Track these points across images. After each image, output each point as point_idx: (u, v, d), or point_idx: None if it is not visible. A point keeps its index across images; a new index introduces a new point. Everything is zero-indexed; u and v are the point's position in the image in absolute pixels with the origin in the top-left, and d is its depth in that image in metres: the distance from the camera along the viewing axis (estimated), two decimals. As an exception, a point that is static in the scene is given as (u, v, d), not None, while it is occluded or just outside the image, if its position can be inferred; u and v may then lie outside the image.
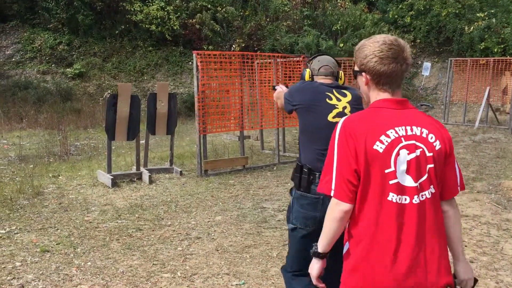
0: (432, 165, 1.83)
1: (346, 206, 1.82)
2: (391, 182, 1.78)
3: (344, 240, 1.93)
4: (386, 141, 1.79)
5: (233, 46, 18.24)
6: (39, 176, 7.30)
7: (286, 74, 9.27)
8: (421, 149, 1.82)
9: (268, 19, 19.42)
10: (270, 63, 9.29)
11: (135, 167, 7.50)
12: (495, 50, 17.19)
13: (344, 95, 2.83)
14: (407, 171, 1.80)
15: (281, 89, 3.16)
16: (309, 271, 2.04)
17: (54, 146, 9.75)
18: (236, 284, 3.80)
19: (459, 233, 1.97)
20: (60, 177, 7.35)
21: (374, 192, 1.79)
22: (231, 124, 8.27)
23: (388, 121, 1.84)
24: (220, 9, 18.73)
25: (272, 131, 10.26)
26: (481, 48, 17.63)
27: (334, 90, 2.84)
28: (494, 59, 14.43)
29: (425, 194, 1.81)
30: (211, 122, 7.80)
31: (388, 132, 1.81)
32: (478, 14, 18.33)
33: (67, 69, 17.19)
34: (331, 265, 2.14)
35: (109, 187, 6.75)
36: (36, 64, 17.41)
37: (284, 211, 5.78)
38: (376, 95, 1.93)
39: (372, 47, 1.88)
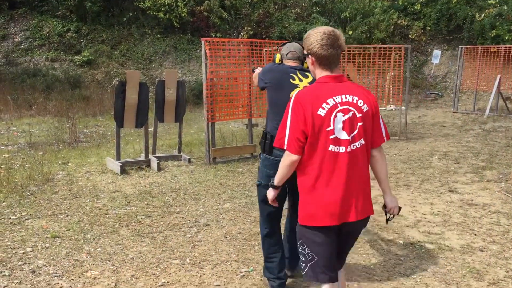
0: (361, 123, 2.48)
1: (295, 157, 2.49)
2: (331, 137, 2.44)
3: (297, 181, 2.58)
4: (327, 107, 2.44)
5: (241, 33, 18.14)
6: (48, 163, 7.34)
7: (295, 61, 9.20)
8: (352, 112, 2.46)
9: (276, 6, 19.28)
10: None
11: (143, 155, 7.52)
12: (506, 37, 16.96)
13: (306, 77, 3.37)
14: (343, 128, 2.44)
15: (258, 71, 3.72)
16: (267, 194, 2.84)
17: (63, 133, 9.79)
18: (245, 271, 3.82)
19: (385, 172, 2.70)
20: (69, 164, 7.39)
21: (319, 145, 2.45)
22: (239, 112, 8.25)
23: (328, 92, 2.47)
24: (228, -4, 18.62)
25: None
26: (492, 35, 17.40)
27: (298, 72, 3.38)
28: (505, 47, 14.25)
29: (355, 145, 2.48)
30: (219, 110, 7.79)
31: (328, 101, 2.45)
32: (489, 1, 18.06)
33: (76, 57, 17.21)
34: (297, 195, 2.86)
35: (118, 174, 6.78)
36: (45, 51, 17.44)
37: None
38: (320, 73, 2.56)
39: (315, 37, 2.49)
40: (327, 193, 2.46)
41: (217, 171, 7.14)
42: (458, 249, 4.31)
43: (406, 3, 19.67)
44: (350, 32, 18.19)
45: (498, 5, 17.86)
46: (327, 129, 2.43)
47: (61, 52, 17.45)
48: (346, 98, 2.47)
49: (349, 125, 2.45)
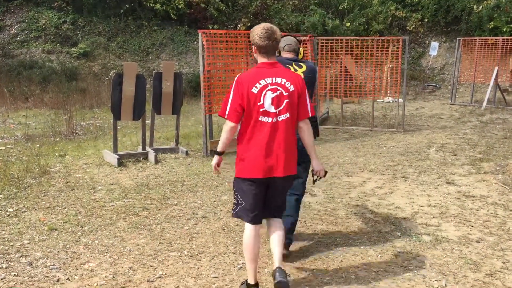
0: (287, 100, 3.14)
1: (233, 124, 3.15)
2: (261, 110, 3.11)
3: (237, 147, 3.23)
4: (259, 86, 3.11)
5: (239, 25, 18.05)
6: (45, 155, 7.32)
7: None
8: (280, 91, 3.14)
9: (274, -2, 19.19)
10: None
11: (141, 147, 7.51)
12: (504, 29, 16.94)
13: (300, 67, 3.89)
14: (271, 103, 3.12)
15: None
16: (212, 163, 3.39)
17: (60, 126, 9.76)
18: (242, 263, 3.82)
19: (311, 141, 3.32)
20: (66, 157, 7.37)
21: (252, 116, 3.12)
22: (237, 104, 8.22)
23: (261, 75, 3.15)
24: (225, -13, 18.52)
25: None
26: (490, 27, 17.37)
27: (293, 63, 3.89)
28: (503, 39, 14.23)
29: (281, 117, 3.14)
30: (216, 102, 7.76)
31: (260, 81, 3.12)
32: (487, -7, 18.01)
33: (72, 49, 17.12)
34: (301, 172, 3.78)
35: (115, 167, 6.77)
36: (41, 43, 17.34)
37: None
38: (259, 60, 3.23)
39: (256, 31, 3.15)
40: (254, 153, 3.13)
41: (214, 163, 7.13)
42: (455, 241, 4.32)
43: (404, -5, 19.60)
44: (348, 24, 18.13)
45: (496, -3, 17.81)
46: (258, 104, 3.11)
47: (58, 44, 17.35)
48: (275, 80, 3.15)
49: (276, 101, 3.13)
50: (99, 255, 3.95)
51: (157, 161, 7.11)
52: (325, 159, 7.50)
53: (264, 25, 3.18)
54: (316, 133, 3.83)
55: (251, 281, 3.27)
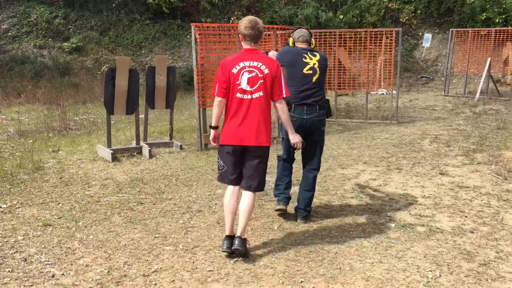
0: (262, 81, 3.68)
1: (220, 98, 3.73)
2: (238, 87, 3.68)
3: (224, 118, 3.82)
4: (238, 68, 3.68)
5: (232, 18, 17.99)
6: (38, 151, 7.28)
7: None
8: (255, 73, 3.68)
9: (267, -9, 19.11)
10: (269, 35, 9.16)
11: (135, 142, 7.48)
12: (497, 20, 16.97)
13: (315, 56, 4.52)
14: (247, 83, 3.67)
15: (273, 54, 4.68)
16: (209, 138, 3.98)
17: (53, 121, 9.71)
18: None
19: (286, 118, 3.90)
20: (60, 152, 7.34)
21: (232, 93, 3.70)
22: (231, 98, 8.19)
23: (241, 58, 3.73)
24: (218, -20, 18.42)
25: (271, 104, 10.20)
26: (483, 18, 17.39)
27: (308, 52, 4.51)
28: (495, 30, 14.27)
29: (255, 95, 3.69)
30: (210, 95, 7.74)
31: (240, 64, 3.70)
32: (480, -16, 18.01)
33: (64, 43, 17.00)
34: (309, 146, 4.41)
35: (109, 162, 6.74)
36: (33, 38, 17.21)
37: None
38: (243, 46, 3.80)
39: (243, 22, 3.73)
40: (232, 124, 3.73)
41: (209, 157, 7.13)
42: (449, 231, 4.35)
43: (397, -14, 19.58)
44: (341, 16, 18.11)
45: (488, -12, 17.83)
46: (237, 82, 3.68)
47: (49, 39, 17.23)
48: (252, 63, 3.70)
49: (251, 81, 3.68)
50: (94, 250, 3.94)
51: (151, 156, 7.09)
52: (320, 151, 7.51)
53: (249, 17, 3.77)
54: (329, 113, 4.57)
55: (227, 232, 3.84)
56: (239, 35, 3.76)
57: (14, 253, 3.86)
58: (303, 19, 17.36)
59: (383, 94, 14.39)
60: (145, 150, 7.17)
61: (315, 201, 5.14)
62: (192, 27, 7.47)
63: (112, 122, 8.47)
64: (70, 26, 17.73)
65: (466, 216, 4.72)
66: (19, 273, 3.53)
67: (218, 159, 3.88)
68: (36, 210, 4.86)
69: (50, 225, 4.45)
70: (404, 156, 7.16)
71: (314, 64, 4.45)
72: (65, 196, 5.32)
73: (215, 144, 3.94)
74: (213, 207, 4.99)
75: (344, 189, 5.62)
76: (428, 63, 18.70)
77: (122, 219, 4.65)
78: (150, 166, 6.64)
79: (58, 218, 4.64)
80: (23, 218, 4.64)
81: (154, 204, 5.09)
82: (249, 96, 3.68)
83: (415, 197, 5.32)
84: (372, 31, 10.72)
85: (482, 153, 7.21)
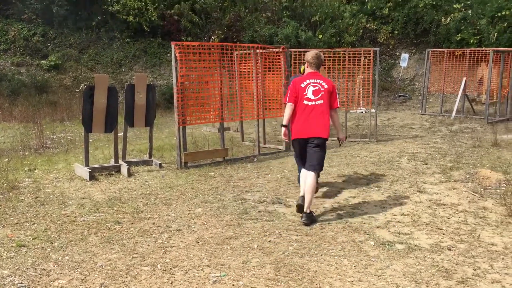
0: (323, 93, 5.20)
1: (291, 104, 5.22)
2: (305, 97, 5.20)
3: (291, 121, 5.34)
4: (305, 83, 5.25)
5: (212, 37, 18.09)
6: (14, 170, 7.14)
7: (266, 65, 9.22)
8: (317, 87, 5.21)
9: (247, 10, 19.31)
10: (249, 54, 9.23)
11: (113, 160, 7.39)
12: (471, 41, 17.44)
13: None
14: (312, 94, 5.19)
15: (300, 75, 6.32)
16: (281, 135, 5.39)
17: (29, 140, 9.55)
18: (217, 276, 3.78)
19: (337, 123, 5.46)
20: (36, 171, 7.20)
21: (300, 100, 5.21)
22: (211, 116, 8.20)
23: (308, 77, 5.30)
24: (198, 0, 18.54)
25: (252, 122, 10.23)
26: (458, 39, 17.86)
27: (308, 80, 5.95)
28: (470, 50, 14.63)
29: (317, 102, 5.17)
30: (190, 113, 7.73)
31: (306, 81, 5.27)
32: (454, 6, 18.54)
33: (42, 61, 16.84)
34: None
35: (87, 181, 6.64)
36: (10, 56, 17.01)
37: (264, 202, 5.78)
38: (307, 70, 5.39)
39: (310, 54, 5.36)
40: (299, 124, 5.22)
41: (188, 176, 7.08)
42: (427, 249, 4.38)
43: (374, 8, 20.02)
44: (320, 36, 18.37)
45: (463, 9, 18.35)
46: (304, 93, 5.22)
47: (27, 57, 17.06)
48: (316, 81, 5.27)
49: (315, 93, 5.21)
50: (69, 271, 3.85)
51: (130, 174, 7.01)
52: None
53: (315, 51, 5.43)
54: None
55: (301, 194, 5.22)
56: (306, 62, 5.41)
57: (-14, 275, 3.75)
58: (283, 38, 17.56)
59: (362, 112, 14.56)
60: (124, 168, 7.09)
61: (295, 219, 5.13)
62: (172, 46, 7.48)
63: (90, 140, 8.37)
64: (48, 44, 17.59)
65: (443, 234, 4.77)
66: (-10, 296, 3.42)
67: (293, 147, 5.61)
68: (10, 230, 4.74)
69: (24, 246, 4.34)
70: (383, 174, 7.22)
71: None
72: (40, 216, 5.20)
73: (286, 139, 5.45)
74: (192, 226, 4.94)
75: (323, 207, 5.63)
76: (406, 82, 19.04)
77: (99, 239, 4.57)
78: (129, 184, 6.56)
79: (32, 239, 4.53)
80: (-4, 239, 4.51)
81: (132, 223, 5.02)
82: (313, 103, 5.18)
83: (394, 215, 5.35)
84: (350, 51, 10.89)
85: (458, 170, 7.32)
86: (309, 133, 5.13)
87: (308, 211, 5.00)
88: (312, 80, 5.24)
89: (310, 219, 4.99)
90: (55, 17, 17.74)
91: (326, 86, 5.20)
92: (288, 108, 5.20)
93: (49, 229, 4.80)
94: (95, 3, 18.12)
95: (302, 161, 5.35)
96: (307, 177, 5.10)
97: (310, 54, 5.36)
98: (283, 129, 5.27)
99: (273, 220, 5.12)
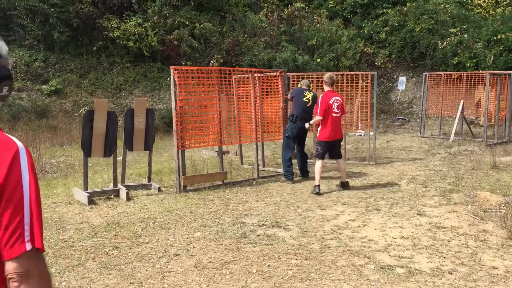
0: (341, 107, 7.71)
1: (321, 117, 7.57)
2: (333, 111, 7.58)
3: (319, 129, 7.89)
4: (332, 100, 7.60)
5: (212, 62, 18.26)
6: (12, 194, 7.10)
7: (264, 88, 9.29)
8: (339, 103, 7.66)
9: (245, 35, 19.54)
10: (248, 78, 9.32)
11: (112, 184, 7.38)
12: (468, 64, 17.62)
13: (310, 93, 8.59)
14: (337, 108, 7.61)
15: (304, 82, 8.92)
16: (306, 126, 8.32)
17: (28, 164, 9.53)
18: (216, 301, 3.73)
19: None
20: (34, 196, 7.17)
21: (329, 113, 7.57)
22: (210, 139, 8.23)
23: (332, 95, 7.66)
24: (198, 25, 18.78)
25: (251, 145, 10.25)
26: (454, 62, 18.05)
27: (306, 91, 8.59)
28: (467, 73, 14.76)
29: (339, 114, 7.68)
30: (189, 137, 7.75)
31: (332, 98, 7.61)
32: (450, 30, 18.81)
33: (43, 86, 16.96)
34: (302, 139, 8.99)
35: (86, 205, 6.62)
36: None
37: (263, 225, 5.75)
38: (326, 88, 7.77)
39: (327, 75, 7.84)
40: (330, 130, 7.54)
41: (187, 199, 7.06)
42: (428, 272, 4.34)
43: (371, 32, 20.29)
44: (318, 60, 18.56)
45: (459, 34, 18.60)
46: (332, 108, 7.46)
47: (28, 82, 17.18)
48: (337, 97, 7.61)
49: (338, 107, 7.54)
50: (66, 297, 3.81)
51: (128, 198, 6.99)
52: (299, 192, 7.52)
53: (330, 74, 7.76)
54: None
55: (316, 183, 7.45)
56: (323, 81, 7.73)
57: (-18, 302, 3.70)
58: (282, 62, 17.73)
59: (361, 135, 14.61)
60: (123, 192, 7.07)
61: (294, 243, 5.10)
62: (171, 70, 7.56)
63: (89, 164, 8.37)
64: (49, 69, 17.74)
65: (444, 257, 4.73)
66: (-14, 323, 3.38)
67: (317, 146, 7.71)
68: (7, 256, 4.70)
69: (21, 272, 4.30)
70: (382, 197, 7.20)
71: (309, 97, 8.46)
72: (38, 241, 5.16)
73: (310, 128, 8.44)
74: (191, 251, 4.90)
75: (323, 230, 5.60)
76: (404, 105, 19.15)
77: (96, 264, 4.53)
78: (128, 209, 6.53)
79: (30, 264, 4.48)
80: (-7, 264, 4.47)
81: (130, 248, 4.98)
82: (338, 115, 7.57)
83: (394, 238, 5.32)
84: (348, 74, 10.99)
85: (458, 193, 7.31)
86: (337, 136, 7.68)
87: (345, 181, 7.84)
88: (335, 98, 7.54)
89: (348, 187, 7.81)
90: (56, 43, 17.93)
91: (341, 101, 7.66)
92: (319, 119, 7.52)
93: (46, 255, 4.76)
94: (96, 29, 18.35)
95: (324, 155, 7.74)
96: (340, 163, 7.85)
97: (326, 75, 7.70)
98: (307, 125, 8.18)
99: (272, 244, 5.09)
